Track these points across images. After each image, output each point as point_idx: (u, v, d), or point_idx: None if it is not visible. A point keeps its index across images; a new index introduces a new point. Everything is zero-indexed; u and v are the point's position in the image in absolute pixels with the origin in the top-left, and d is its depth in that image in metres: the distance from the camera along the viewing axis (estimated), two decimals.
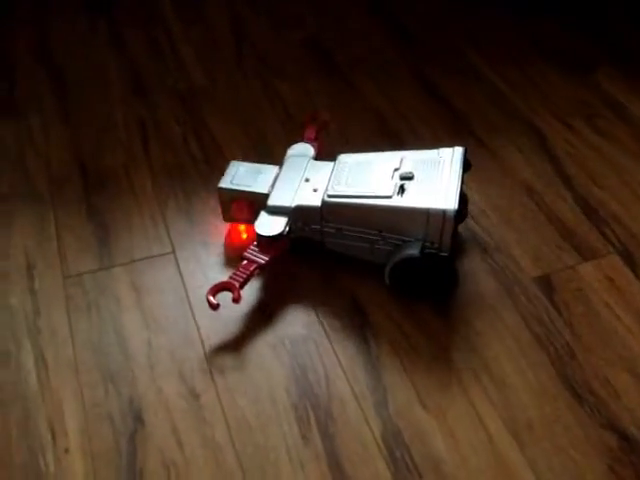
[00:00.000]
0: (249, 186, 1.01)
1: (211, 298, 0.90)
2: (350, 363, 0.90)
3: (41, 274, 1.02)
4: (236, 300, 0.90)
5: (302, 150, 1.07)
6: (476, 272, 1.01)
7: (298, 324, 0.95)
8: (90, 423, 0.85)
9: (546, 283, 0.99)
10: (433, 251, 0.92)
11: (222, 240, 1.06)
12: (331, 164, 1.01)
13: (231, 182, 1.03)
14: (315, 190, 0.98)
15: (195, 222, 1.09)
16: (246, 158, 1.09)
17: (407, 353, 0.91)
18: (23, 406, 0.87)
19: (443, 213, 0.89)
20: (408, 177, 0.94)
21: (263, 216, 0.97)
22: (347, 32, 1.49)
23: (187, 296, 0.99)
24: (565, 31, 1.46)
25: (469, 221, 1.07)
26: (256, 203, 1.00)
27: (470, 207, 1.08)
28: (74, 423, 0.85)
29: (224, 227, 1.07)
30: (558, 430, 0.83)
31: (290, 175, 1.02)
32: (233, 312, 0.95)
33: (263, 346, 0.93)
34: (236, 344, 0.93)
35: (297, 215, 0.97)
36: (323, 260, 1.02)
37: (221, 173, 1.04)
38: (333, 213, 0.96)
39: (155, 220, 1.09)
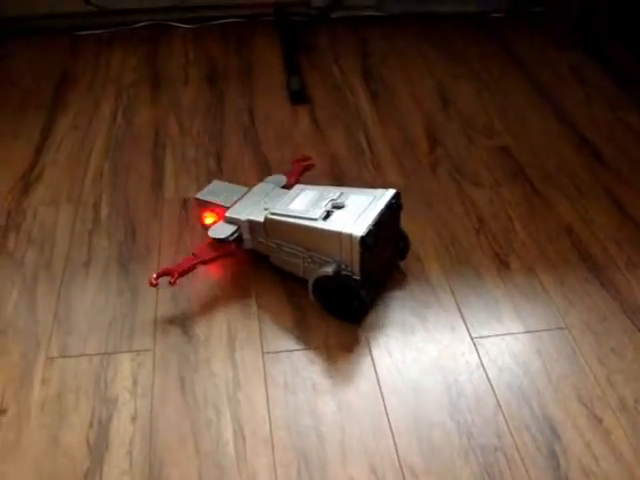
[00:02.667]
0: (216, 199, 1.21)
1: (153, 277, 1.08)
2: None
3: (242, 346, 1.06)
4: (171, 283, 1.09)
5: (275, 180, 1.26)
6: None
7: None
8: None
9: None
10: (347, 273, 1.05)
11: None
12: (291, 191, 1.16)
13: (204, 195, 1.23)
14: (265, 209, 1.14)
15: (390, 317, 1.11)
16: (441, 260, 1.14)
17: None
18: (218, 474, 0.90)
19: (350, 237, 1.02)
20: (338, 206, 1.09)
21: (219, 224, 1.17)
22: (537, 143, 1.51)
23: (380, 388, 1.00)
24: None
25: None
26: (219, 214, 1.19)
27: None
28: None
29: None
30: None
31: (253, 196, 1.20)
32: (420, 401, 0.96)
33: (453, 452, 0.92)
34: (428, 442, 0.93)
35: (247, 227, 1.15)
36: None
37: (412, 274, 1.13)
38: (273, 229, 1.12)
39: None
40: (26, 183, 1.41)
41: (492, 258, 1.22)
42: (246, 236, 1.17)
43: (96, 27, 2.00)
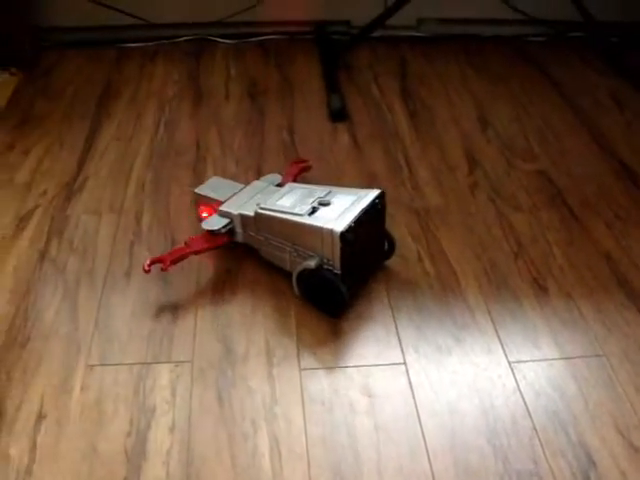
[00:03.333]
0: (212, 194, 1.29)
1: (147, 264, 1.15)
2: None
3: (279, 362, 1.07)
4: (163, 269, 1.15)
5: (270, 178, 1.33)
6: None
7: None
8: None
9: None
10: (329, 267, 1.10)
11: None
12: (282, 189, 1.22)
13: (202, 189, 1.32)
14: (257, 205, 1.19)
15: (427, 338, 1.12)
16: (479, 282, 1.16)
17: None
18: None
19: (331, 232, 1.07)
20: (324, 203, 1.14)
21: (213, 217, 1.23)
22: (576, 168, 1.51)
23: (416, 409, 1.00)
24: None
25: None
26: (214, 208, 1.26)
27: None
28: None
29: None
30: None
31: (247, 193, 1.27)
32: (456, 424, 0.96)
33: (489, 476, 0.92)
34: (464, 465, 0.93)
35: (239, 221, 1.21)
36: None
37: (450, 295, 1.16)
38: (262, 223, 1.18)
39: (388, 329, 1.13)
40: (69, 191, 1.43)
41: (530, 282, 1.22)
42: (238, 230, 1.23)
43: (140, 40, 2.04)
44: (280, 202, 1.17)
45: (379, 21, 1.88)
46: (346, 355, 1.09)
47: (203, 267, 1.25)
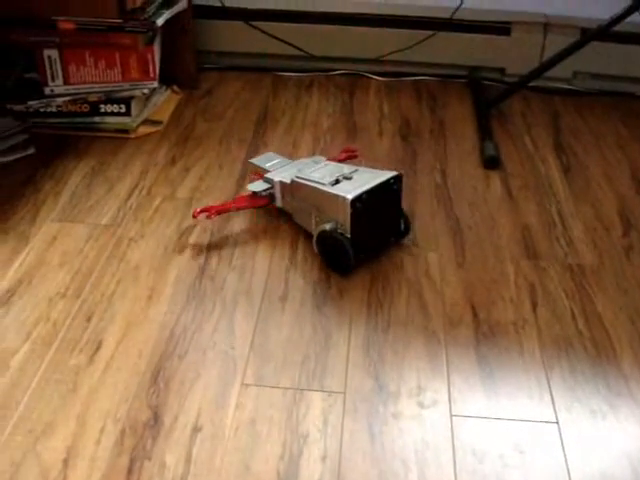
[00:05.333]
0: (263, 165, 1.50)
1: (196, 211, 1.38)
2: None
3: (430, 404, 1.08)
4: (208, 217, 1.39)
5: (316, 158, 1.48)
6: None
7: None
8: None
9: None
10: (341, 231, 1.28)
11: None
12: (320, 164, 1.40)
13: (256, 160, 1.53)
14: (295, 175, 1.37)
15: (580, 400, 1.10)
16: (635, 348, 1.16)
17: None
18: None
19: (344, 199, 1.25)
20: (347, 177, 1.32)
21: (258, 181, 1.45)
22: None
23: (567, 471, 0.99)
24: None
25: None
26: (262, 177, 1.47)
27: None
28: None
29: None
30: None
31: (291, 166, 1.47)
32: None
33: None
34: None
35: (279, 188, 1.42)
36: None
37: (604, 360, 1.14)
38: (296, 190, 1.37)
39: (540, 386, 1.12)
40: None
41: None
42: (277, 195, 1.43)
43: (297, 70, 2.10)
44: (313, 174, 1.35)
45: (537, 73, 1.87)
46: (498, 406, 1.08)
47: (357, 299, 1.27)
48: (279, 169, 1.46)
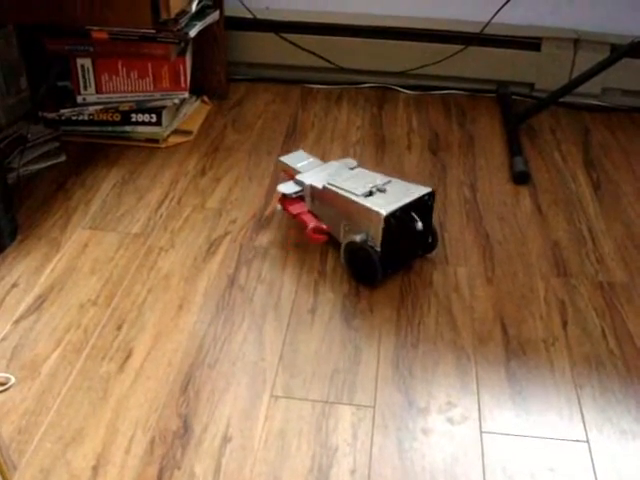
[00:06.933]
0: (294, 165, 1.47)
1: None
2: None
3: (460, 420, 1.07)
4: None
5: (346, 161, 1.48)
6: None
7: None
8: None
9: None
10: (371, 244, 1.27)
11: None
12: (352, 171, 1.41)
13: (285, 159, 1.50)
14: (327, 181, 1.36)
15: (611, 420, 1.09)
16: None
17: None
18: None
19: (378, 214, 1.25)
20: (381, 190, 1.31)
21: (289, 183, 1.44)
22: None
23: None
24: None
25: None
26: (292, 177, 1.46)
27: None
28: None
29: None
30: None
31: (322, 169, 1.45)
32: None
33: None
34: None
35: (309, 191, 1.41)
36: None
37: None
38: (327, 196, 1.36)
39: (571, 403, 1.11)
40: (258, 224, 1.49)
41: None
42: (307, 198, 1.42)
43: (326, 82, 2.11)
44: (346, 183, 1.34)
45: (567, 89, 1.87)
46: (527, 423, 1.08)
47: (387, 313, 1.27)
48: (310, 171, 1.45)
